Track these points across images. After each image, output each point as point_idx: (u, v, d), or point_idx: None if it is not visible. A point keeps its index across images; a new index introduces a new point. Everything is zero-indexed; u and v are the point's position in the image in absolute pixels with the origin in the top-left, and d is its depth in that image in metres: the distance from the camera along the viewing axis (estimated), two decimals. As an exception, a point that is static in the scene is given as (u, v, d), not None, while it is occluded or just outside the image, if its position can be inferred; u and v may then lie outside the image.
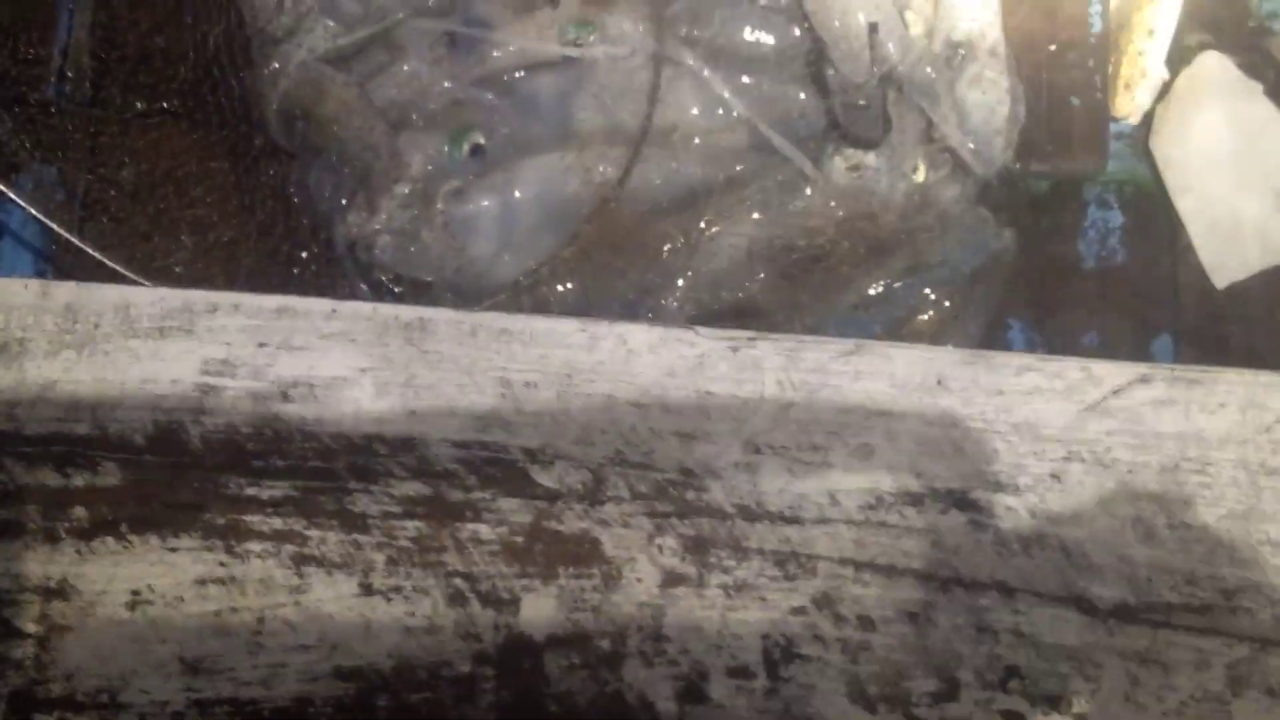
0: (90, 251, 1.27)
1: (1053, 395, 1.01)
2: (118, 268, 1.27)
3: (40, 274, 1.47)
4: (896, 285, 1.46)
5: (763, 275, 1.45)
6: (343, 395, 1.00)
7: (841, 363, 1.02)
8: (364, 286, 1.43)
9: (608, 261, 1.43)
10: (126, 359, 1.00)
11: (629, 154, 1.43)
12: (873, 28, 1.50)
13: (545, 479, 0.99)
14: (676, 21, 1.50)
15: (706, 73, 1.47)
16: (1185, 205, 1.53)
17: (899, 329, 1.46)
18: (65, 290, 1.02)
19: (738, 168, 1.48)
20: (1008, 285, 1.50)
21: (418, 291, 1.44)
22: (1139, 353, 1.52)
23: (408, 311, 1.03)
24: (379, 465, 0.98)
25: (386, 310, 1.03)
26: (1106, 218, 1.57)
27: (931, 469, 1.00)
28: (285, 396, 1.00)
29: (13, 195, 1.29)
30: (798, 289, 1.45)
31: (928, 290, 1.46)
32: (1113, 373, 1.02)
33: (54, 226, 1.28)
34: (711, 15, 1.51)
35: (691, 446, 1.00)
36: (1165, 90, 1.58)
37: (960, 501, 0.99)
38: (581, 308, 1.44)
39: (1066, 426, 1.00)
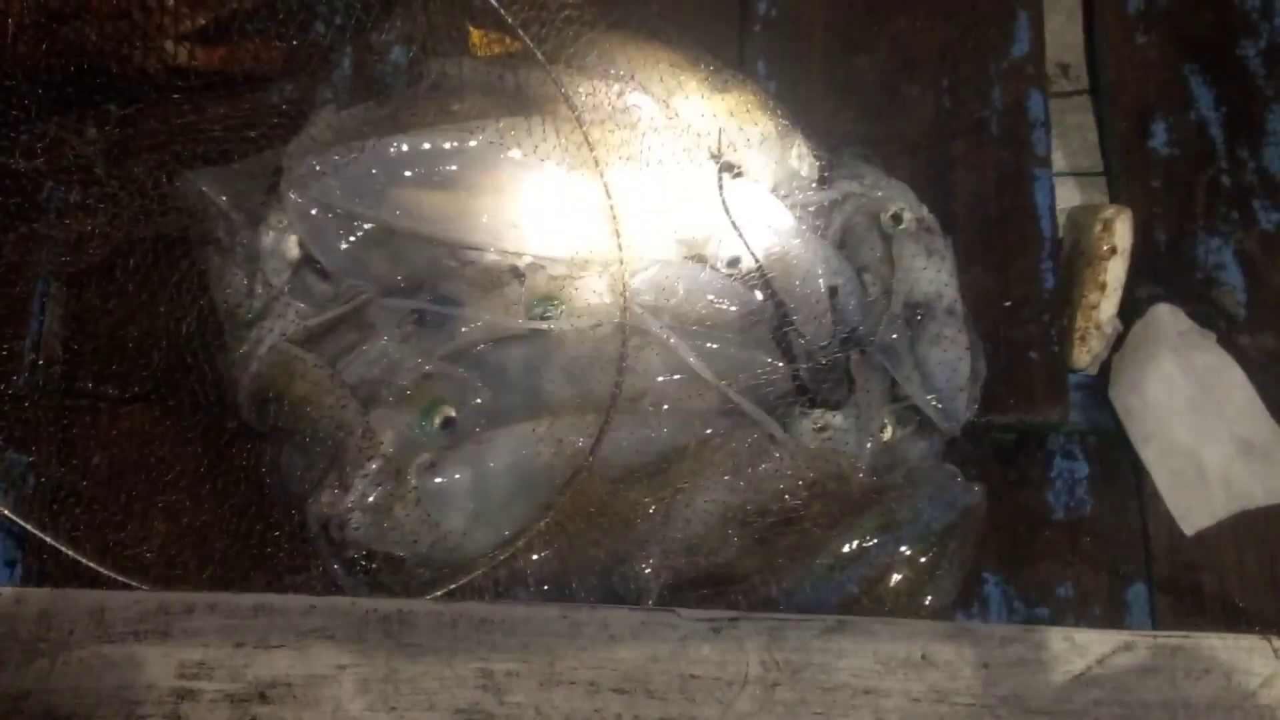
0: (62, 549, 1.26)
1: (1038, 666, 1.01)
2: (90, 564, 1.26)
3: (10, 564, 1.46)
4: (870, 544, 1.46)
5: (737, 539, 1.45)
6: (322, 694, 0.99)
7: (824, 640, 1.02)
8: (337, 566, 1.42)
9: (582, 531, 1.43)
10: (101, 666, 0.99)
11: (599, 422, 1.44)
12: (832, 291, 1.54)
13: (531, 775, 0.97)
14: (641, 292, 1.53)
15: (672, 341, 1.49)
16: (1148, 454, 1.55)
17: (875, 587, 1.45)
18: (40, 597, 1.01)
19: (707, 431, 1.50)
20: (980, 539, 1.50)
21: (391, 569, 1.42)
22: (1114, 603, 1.51)
23: (387, 604, 1.03)
24: (361, 768, 0.96)
25: (365, 604, 1.03)
26: (1073, 468, 1.59)
27: (921, 747, 0.99)
28: (263, 698, 0.98)
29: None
30: (772, 552, 1.45)
31: (902, 548, 1.46)
32: (1096, 641, 1.02)
33: (25, 525, 1.27)
34: (675, 285, 1.54)
35: (678, 733, 0.99)
36: (1120, 341, 1.61)
37: (953, 782, 0.98)
38: (557, 578, 1.43)
39: (1054, 698, 1.00)
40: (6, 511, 1.29)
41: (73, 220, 1.52)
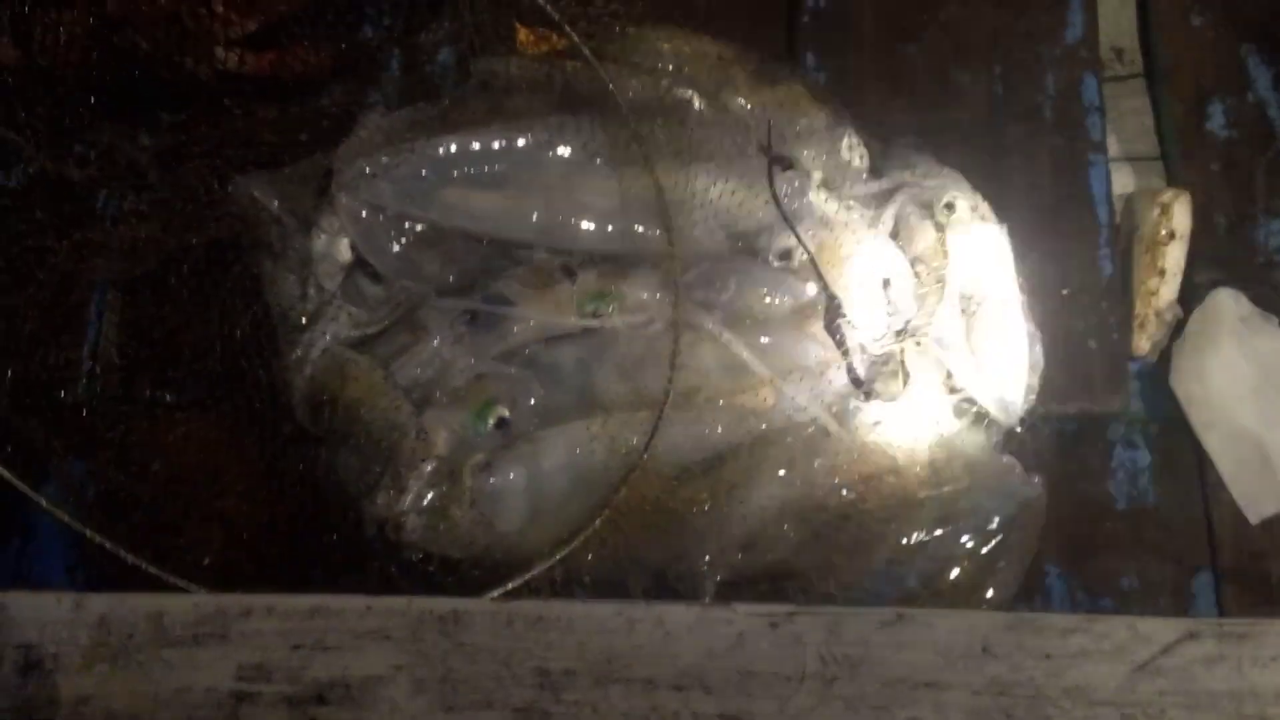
0: (121, 554, 1.26)
1: (1101, 657, 0.99)
2: (149, 567, 1.26)
3: (71, 571, 1.47)
4: (929, 538, 1.45)
5: (793, 535, 1.44)
6: (379, 695, 0.99)
7: (884, 634, 1.01)
8: (394, 568, 1.42)
9: (638, 529, 1.43)
10: (161, 670, 0.99)
11: (653, 420, 1.43)
12: (886, 283, 1.52)
13: (589, 772, 0.97)
14: (693, 287, 1.52)
15: (725, 335, 1.49)
16: (1212, 442, 1.53)
17: (935, 582, 1.44)
18: (99, 602, 1.02)
19: (762, 427, 1.49)
20: (1041, 531, 1.48)
21: (448, 569, 1.42)
22: (1179, 594, 1.49)
23: (442, 604, 1.03)
24: (418, 768, 0.96)
25: (421, 604, 1.02)
26: (1134, 457, 1.57)
27: (983, 741, 0.97)
28: (321, 699, 0.98)
29: (44, 503, 1.30)
30: (829, 548, 1.44)
31: (962, 540, 1.45)
32: (1160, 630, 1.00)
33: (84, 530, 1.28)
34: (727, 279, 1.53)
35: (736, 729, 0.98)
36: (1180, 328, 1.59)
37: (1016, 776, 0.96)
38: (613, 577, 1.42)
39: (1118, 689, 0.98)
40: (66, 518, 1.30)
41: (127, 227, 1.53)
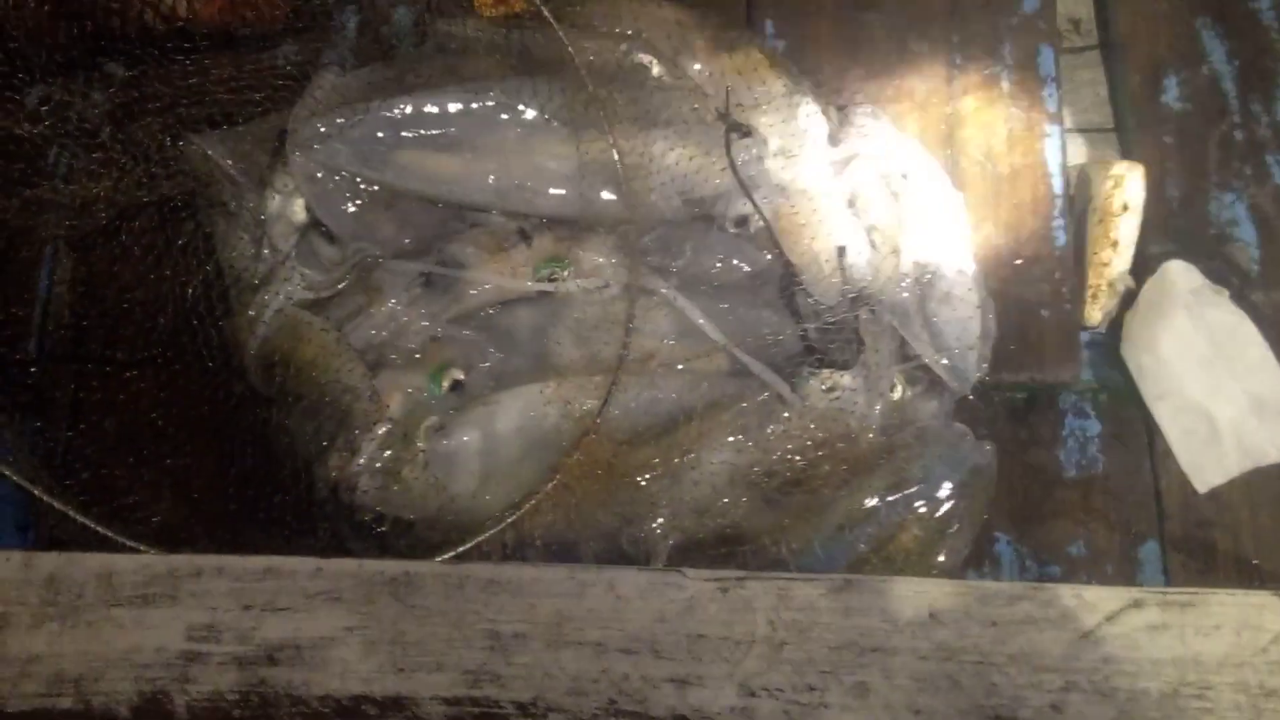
0: (71, 514, 1.26)
1: (1047, 624, 1.00)
2: (99, 528, 1.26)
3: (23, 529, 1.46)
4: (879, 504, 1.46)
5: (745, 500, 1.45)
6: (329, 655, 0.99)
7: (832, 599, 1.01)
8: (346, 529, 1.42)
9: (589, 493, 1.43)
10: (111, 629, 0.99)
11: (607, 384, 1.43)
12: (841, 251, 1.53)
13: (538, 734, 0.97)
14: (648, 253, 1.52)
15: (680, 301, 1.49)
16: (1161, 412, 1.54)
17: (886, 547, 1.45)
18: (48, 560, 1.01)
19: (716, 393, 1.49)
20: (991, 498, 1.49)
21: (400, 531, 1.42)
22: (1126, 561, 1.51)
23: (393, 566, 1.03)
24: (369, 728, 0.96)
25: (372, 566, 1.02)
26: (1084, 426, 1.58)
27: (930, 704, 0.98)
28: (271, 660, 0.98)
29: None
30: (781, 512, 1.45)
31: (913, 506, 1.46)
32: (1105, 599, 1.01)
33: (35, 491, 1.27)
34: (683, 245, 1.54)
35: (685, 692, 0.99)
36: (1132, 299, 1.60)
37: (961, 739, 0.97)
38: (565, 541, 1.43)
39: (1063, 656, 0.99)
40: (16, 477, 1.29)
41: (78, 185, 1.52)
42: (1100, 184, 1.62)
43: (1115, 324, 1.61)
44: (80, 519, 1.26)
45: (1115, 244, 1.59)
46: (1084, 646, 1.00)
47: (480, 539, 1.35)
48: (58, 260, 1.56)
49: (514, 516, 1.36)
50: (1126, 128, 1.73)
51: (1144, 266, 1.61)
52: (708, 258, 1.54)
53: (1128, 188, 1.60)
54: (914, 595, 1.01)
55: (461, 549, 1.33)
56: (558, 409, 1.45)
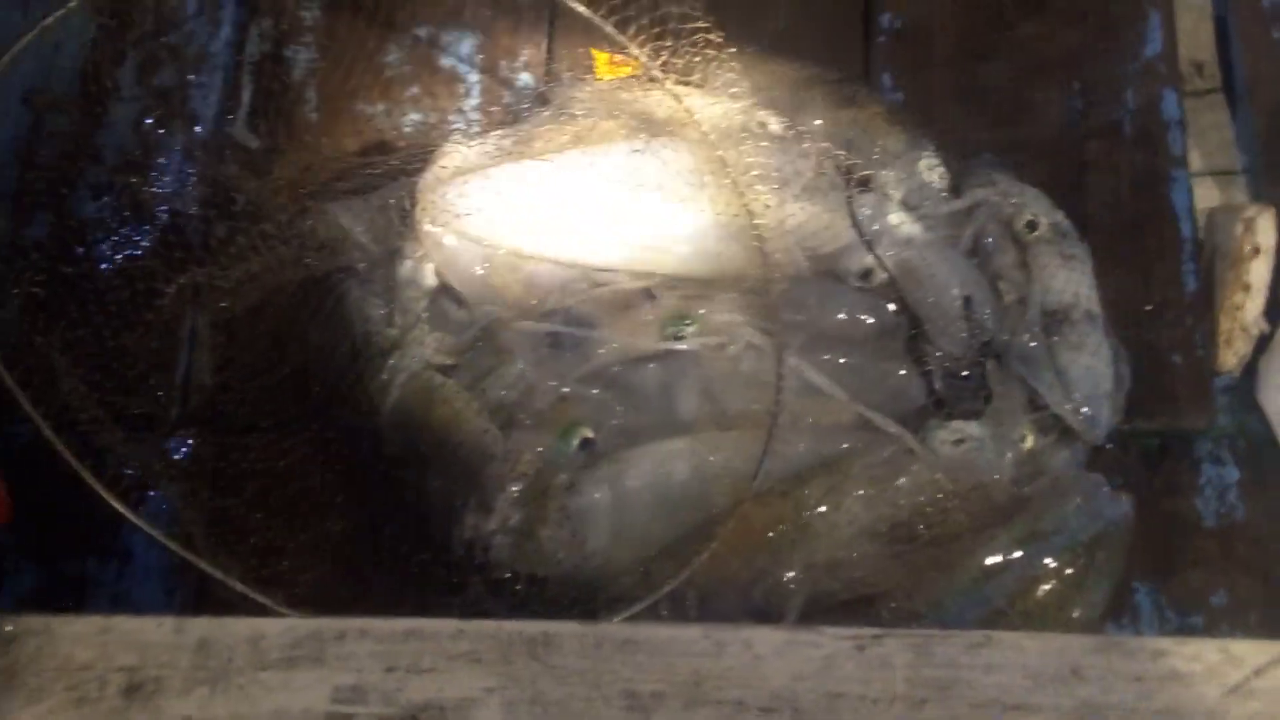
0: (220, 576, 1.29)
1: (1192, 679, 0.98)
2: (246, 590, 1.29)
3: (170, 593, 1.50)
4: (1014, 556, 1.44)
5: (876, 554, 1.44)
6: (472, 716, 1.00)
7: (972, 655, 1.01)
8: (482, 587, 1.44)
9: (722, 549, 1.43)
10: (259, 692, 1.01)
11: (747, 442, 1.43)
12: (967, 301, 1.52)
13: (680, 794, 0.97)
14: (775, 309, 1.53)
15: (806, 371, 1.49)
16: (1301, 457, 1.52)
17: (1021, 601, 1.43)
18: (199, 626, 1.04)
19: (843, 446, 1.49)
20: (1129, 549, 1.47)
21: (534, 590, 1.44)
22: (1271, 611, 1.47)
23: (532, 627, 1.04)
24: (512, 788, 0.98)
25: (511, 626, 1.03)
26: (1222, 473, 1.55)
27: (1074, 762, 0.97)
28: (415, 721, 1.00)
29: (143, 525, 1.33)
30: (915, 566, 1.44)
31: (1047, 560, 1.43)
32: (1252, 652, 0.99)
33: (184, 554, 1.31)
34: (807, 300, 1.54)
35: (825, 752, 0.98)
36: (1266, 342, 1.57)
37: (1109, 799, 0.96)
38: (698, 595, 1.43)
39: (1210, 712, 0.97)
40: (167, 541, 1.33)
41: (231, 266, 1.56)
42: (1230, 227, 1.59)
43: (1251, 369, 1.58)
44: (228, 581, 1.29)
45: (1248, 287, 1.56)
46: (1232, 701, 0.98)
47: (644, 604, 1.35)
48: (199, 329, 1.60)
49: (676, 582, 1.36)
50: (1255, 170, 1.71)
51: (1278, 309, 1.58)
52: (832, 312, 1.54)
53: (1258, 230, 1.57)
54: (1055, 651, 1.00)
55: (636, 607, 1.34)
56: (688, 463, 1.45)
